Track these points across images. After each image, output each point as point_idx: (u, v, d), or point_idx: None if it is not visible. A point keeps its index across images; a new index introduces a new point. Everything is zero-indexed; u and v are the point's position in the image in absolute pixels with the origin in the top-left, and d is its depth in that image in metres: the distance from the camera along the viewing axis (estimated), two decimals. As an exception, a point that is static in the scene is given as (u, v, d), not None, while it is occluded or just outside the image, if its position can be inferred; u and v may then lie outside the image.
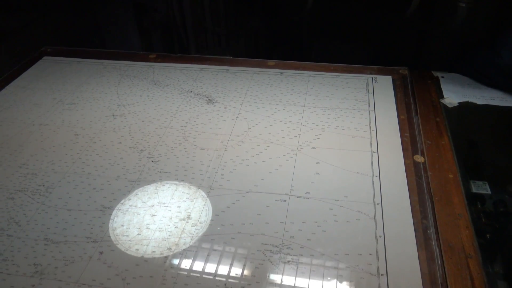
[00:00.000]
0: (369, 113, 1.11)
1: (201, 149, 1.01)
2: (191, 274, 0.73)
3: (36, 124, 1.12)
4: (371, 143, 1.01)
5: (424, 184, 0.90)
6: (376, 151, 0.98)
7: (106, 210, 0.86)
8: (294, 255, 0.76)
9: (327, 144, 1.01)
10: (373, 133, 1.04)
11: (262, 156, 0.98)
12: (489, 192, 0.94)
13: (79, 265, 0.76)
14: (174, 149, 1.01)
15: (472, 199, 0.91)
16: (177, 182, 0.92)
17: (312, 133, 1.05)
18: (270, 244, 0.78)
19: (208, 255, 0.77)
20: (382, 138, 1.02)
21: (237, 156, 0.98)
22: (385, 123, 1.07)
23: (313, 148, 1.00)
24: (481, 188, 0.96)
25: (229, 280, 0.72)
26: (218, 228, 0.81)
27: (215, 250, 0.77)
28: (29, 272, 0.75)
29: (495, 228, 0.91)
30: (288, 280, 0.72)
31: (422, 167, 0.94)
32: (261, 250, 0.77)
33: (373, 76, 1.27)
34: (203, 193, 0.89)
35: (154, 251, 0.78)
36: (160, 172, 0.95)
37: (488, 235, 0.87)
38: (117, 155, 1.00)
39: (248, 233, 0.80)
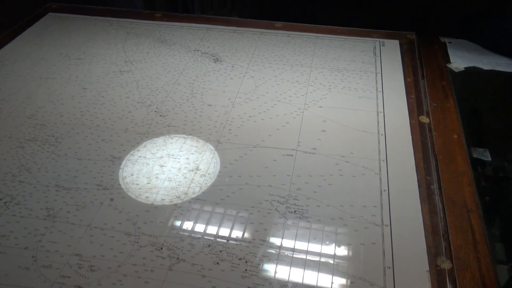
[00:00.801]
0: (376, 75, 1.11)
1: (208, 105, 1.02)
2: (199, 220, 0.75)
3: (43, 78, 1.12)
4: (377, 104, 1.02)
5: (429, 143, 0.91)
6: (382, 111, 0.99)
7: (116, 160, 0.88)
8: (300, 206, 0.78)
9: (334, 104, 1.02)
10: (379, 94, 1.05)
11: (269, 113, 0.99)
12: (489, 159, 0.96)
13: (90, 210, 0.77)
14: (182, 105, 1.02)
15: (473, 164, 0.92)
16: (185, 136, 0.93)
17: (319, 92, 1.05)
18: (277, 195, 0.80)
19: (216, 203, 0.78)
20: (388, 99, 1.03)
21: (245, 113, 0.99)
22: (392, 85, 1.08)
23: (320, 107, 1.01)
24: (482, 155, 0.97)
25: (236, 226, 0.74)
26: (226, 179, 0.83)
27: (223, 199, 0.79)
28: (41, 215, 0.77)
29: (495, 190, 0.93)
30: (294, 228, 0.74)
31: (427, 127, 0.96)
32: (268, 200, 0.79)
33: (381, 40, 1.26)
34: (211, 147, 0.90)
35: (164, 199, 0.79)
36: (168, 126, 0.96)
37: (487, 198, 0.89)
38: (125, 109, 1.01)
39: (256, 184, 0.82)
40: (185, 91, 1.06)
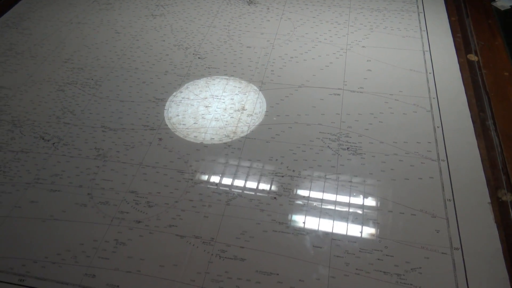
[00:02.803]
0: (418, 15, 1.07)
1: (247, 47, 0.99)
2: (251, 158, 0.74)
3: (74, 23, 1.09)
4: (422, 43, 0.98)
5: (480, 81, 0.88)
6: (428, 50, 0.96)
7: (159, 101, 0.86)
8: (353, 143, 0.76)
9: (377, 43, 0.98)
10: (424, 33, 1.01)
11: (311, 54, 0.96)
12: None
13: (140, 149, 0.76)
14: (220, 47, 0.99)
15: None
16: (227, 77, 0.91)
17: (360, 33, 1.02)
18: (328, 133, 0.78)
19: (267, 141, 0.77)
20: (434, 38, 0.99)
21: (286, 54, 0.96)
22: (436, 24, 1.03)
23: (363, 47, 0.97)
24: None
25: (290, 163, 0.73)
26: (274, 118, 0.81)
27: (273, 137, 0.78)
28: (91, 155, 0.76)
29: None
30: (348, 164, 0.73)
31: (476, 65, 0.92)
32: (319, 138, 0.77)
33: (420, -21, 1.21)
34: (255, 87, 0.88)
35: (213, 138, 0.78)
36: (209, 67, 0.93)
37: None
38: (162, 51, 0.98)
39: (305, 123, 0.80)
40: (222, 33, 1.03)
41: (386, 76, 0.89)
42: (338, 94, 0.85)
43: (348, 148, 0.75)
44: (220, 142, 0.77)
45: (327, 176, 0.71)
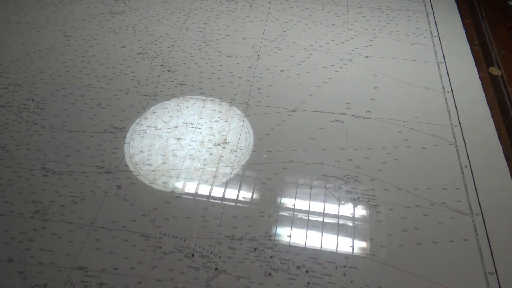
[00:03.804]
0: (427, 16, 0.91)
1: (228, 56, 0.81)
2: (238, 214, 0.58)
3: (12, 22, 0.88)
4: (435, 52, 0.82)
5: (507, 101, 0.74)
6: (443, 61, 0.80)
7: (118, 131, 0.68)
8: (364, 190, 0.61)
9: (382, 52, 0.82)
10: (436, 39, 0.85)
11: (305, 66, 0.79)
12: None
13: (92, 203, 0.59)
14: (194, 56, 0.81)
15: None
16: (203, 97, 0.73)
17: (362, 38, 0.85)
18: (333, 176, 0.62)
19: (257, 189, 0.61)
20: (448, 46, 0.83)
21: (274, 66, 0.79)
22: (448, 27, 0.88)
23: (366, 57, 0.81)
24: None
25: (285, 220, 0.57)
26: (264, 156, 0.65)
27: (264, 183, 0.61)
28: (27, 212, 0.58)
29: None
30: (360, 221, 0.57)
31: (500, 80, 0.78)
32: (322, 184, 0.61)
33: (425, -29, 1.04)
34: (239, 111, 0.71)
35: (187, 185, 0.61)
36: (180, 84, 0.76)
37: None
38: (123, 62, 0.79)
39: (303, 161, 0.64)
40: (196, 38, 0.85)
41: (397, 96, 0.74)
42: (341, 121, 0.69)
43: (358, 198, 0.60)
44: (197, 190, 0.60)
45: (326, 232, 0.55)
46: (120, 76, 0.77)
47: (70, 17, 0.89)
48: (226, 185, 0.61)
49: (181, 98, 0.73)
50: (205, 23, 0.88)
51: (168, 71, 0.78)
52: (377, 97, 0.73)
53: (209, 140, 0.67)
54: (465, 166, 0.64)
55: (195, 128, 0.68)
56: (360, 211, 0.58)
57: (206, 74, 0.77)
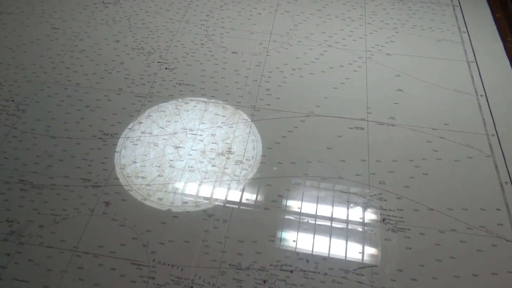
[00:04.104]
0: (454, 9, 0.82)
1: (233, 52, 0.73)
2: (244, 238, 0.50)
3: (-5, 12, 0.80)
4: (464, 49, 0.74)
5: (549, 108, 0.65)
6: (474, 60, 0.72)
7: (108, 138, 0.60)
8: (391, 210, 0.53)
9: (406, 50, 0.74)
10: (465, 35, 0.76)
11: (319, 64, 0.71)
12: None
13: (76, 223, 0.51)
14: (196, 52, 0.72)
15: None
16: (205, 100, 0.65)
17: (382, 34, 0.77)
18: (353, 193, 0.54)
19: (266, 208, 0.53)
20: (479, 43, 0.75)
21: (285, 64, 0.71)
22: (478, 22, 0.79)
23: (388, 54, 0.73)
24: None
25: (301, 245, 0.49)
26: (274, 168, 0.57)
27: (274, 201, 0.53)
28: (0, 234, 0.50)
29: None
30: (386, 248, 0.49)
31: (539, 84, 0.69)
32: (341, 202, 0.53)
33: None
34: (245, 116, 0.63)
35: (186, 202, 0.53)
36: (180, 84, 0.67)
37: None
38: (115, 58, 0.71)
39: (319, 175, 0.56)
40: (198, 32, 0.76)
41: (424, 100, 0.65)
42: (362, 128, 0.61)
43: (384, 220, 0.52)
44: (197, 209, 0.52)
45: (354, 271, 0.47)
46: (112, 74, 0.68)
47: (58, 7, 0.81)
48: (230, 203, 0.53)
49: (180, 100, 0.65)
50: (207, 15, 0.80)
51: (166, 68, 0.69)
52: (401, 100, 0.65)
53: (211, 149, 0.58)
54: (505, 182, 0.55)
55: (196, 135, 0.60)
56: (387, 235, 0.50)
57: (208, 72, 0.69)
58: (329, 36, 0.76)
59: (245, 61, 0.71)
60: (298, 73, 0.69)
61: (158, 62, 0.70)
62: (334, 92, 0.66)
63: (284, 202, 0.53)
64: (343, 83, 0.67)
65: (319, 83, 0.67)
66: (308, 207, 0.52)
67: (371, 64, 0.70)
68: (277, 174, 0.56)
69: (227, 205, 0.52)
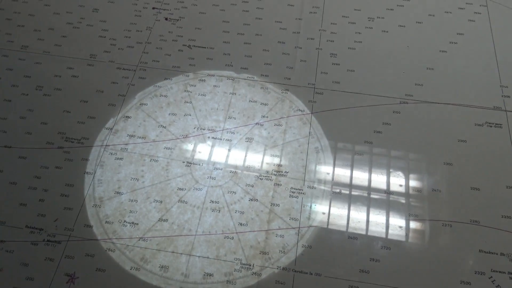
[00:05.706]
0: None
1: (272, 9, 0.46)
2: None
3: None
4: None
5: None
6: None
7: (74, 147, 0.36)
8: None
9: None
10: None
11: (411, 9, 0.45)
12: None
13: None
14: (212, -9, 0.46)
15: None
16: (233, 74, 0.40)
17: None
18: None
19: (351, 285, 0.29)
20: None
21: (357, 10, 0.44)
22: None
23: (517, -8, 0.45)
24: None
25: None
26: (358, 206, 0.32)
27: (364, 271, 0.30)
28: None
29: None
30: None
31: None
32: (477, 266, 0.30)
33: None
34: (300, 103, 0.38)
35: (211, 275, 0.30)
36: (190, 46, 0.42)
37: None
38: (84, 3, 0.45)
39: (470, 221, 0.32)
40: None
41: None
42: (499, 125, 0.36)
43: None
44: (231, 287, 0.29)
45: None
46: (81, 30, 0.42)
47: None
48: (286, 276, 0.30)
49: (191, 74, 0.39)
50: None
51: (166, 19, 0.43)
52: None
53: (248, 166, 0.34)
54: None
55: (221, 139, 0.36)
56: None
57: (234, 27, 0.42)
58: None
59: (292, 5, 0.44)
60: (379, 25, 0.42)
61: (154, 8, 0.44)
62: (442, 57, 0.40)
63: (371, 279, 0.29)
64: (455, 43, 0.41)
65: (416, 44, 0.41)
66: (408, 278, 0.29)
67: (495, 10, 0.44)
68: (361, 218, 0.32)
69: (281, 279, 0.29)
